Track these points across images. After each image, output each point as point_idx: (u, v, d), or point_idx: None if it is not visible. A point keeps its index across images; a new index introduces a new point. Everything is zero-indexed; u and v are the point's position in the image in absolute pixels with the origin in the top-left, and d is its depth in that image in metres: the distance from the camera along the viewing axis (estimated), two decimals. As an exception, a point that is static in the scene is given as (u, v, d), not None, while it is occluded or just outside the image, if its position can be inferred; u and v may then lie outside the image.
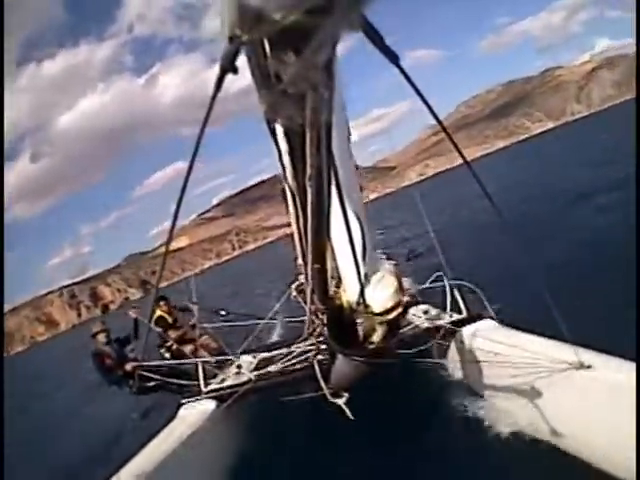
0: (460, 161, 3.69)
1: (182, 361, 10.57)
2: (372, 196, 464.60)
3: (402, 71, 2.45)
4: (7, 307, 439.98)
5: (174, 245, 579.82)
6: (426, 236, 11.42)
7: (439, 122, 2.99)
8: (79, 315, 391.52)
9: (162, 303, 11.80)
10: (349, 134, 6.56)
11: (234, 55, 1.69)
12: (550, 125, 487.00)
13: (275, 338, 13.56)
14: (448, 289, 8.90)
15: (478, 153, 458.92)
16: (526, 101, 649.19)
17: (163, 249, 3.41)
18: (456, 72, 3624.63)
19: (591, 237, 14.01)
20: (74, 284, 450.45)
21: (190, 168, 2.30)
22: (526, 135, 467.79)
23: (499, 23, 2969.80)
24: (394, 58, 2.31)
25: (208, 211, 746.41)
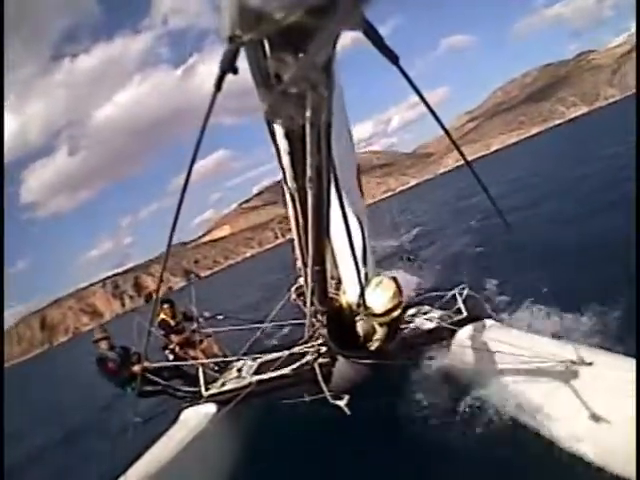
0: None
1: (186, 362, 10.81)
2: (412, 182, 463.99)
3: (402, 72, 2.44)
4: (50, 299, 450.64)
5: (216, 234, 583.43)
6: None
7: (442, 125, 2.94)
8: (123, 305, 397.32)
9: (166, 306, 11.90)
10: (350, 135, 6.51)
11: (234, 55, 1.71)
12: (585, 109, 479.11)
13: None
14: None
15: (513, 139, 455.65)
16: (561, 85, 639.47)
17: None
18: (492, 56, 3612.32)
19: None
20: (117, 275, 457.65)
21: (191, 166, 2.31)
22: (561, 120, 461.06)
23: (532, 6, 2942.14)
24: (394, 58, 2.31)
25: (249, 200, 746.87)
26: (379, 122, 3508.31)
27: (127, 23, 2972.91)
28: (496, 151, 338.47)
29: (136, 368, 9.51)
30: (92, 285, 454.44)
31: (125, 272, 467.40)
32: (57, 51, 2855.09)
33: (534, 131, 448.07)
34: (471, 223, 24.88)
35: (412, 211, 48.16)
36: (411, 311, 9.09)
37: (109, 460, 9.78)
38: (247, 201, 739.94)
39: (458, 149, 3.35)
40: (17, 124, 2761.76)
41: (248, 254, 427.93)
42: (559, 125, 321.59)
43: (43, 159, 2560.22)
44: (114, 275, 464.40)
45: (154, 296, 7.58)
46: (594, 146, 39.61)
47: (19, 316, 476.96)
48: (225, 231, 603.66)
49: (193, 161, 2.32)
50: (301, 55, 1.60)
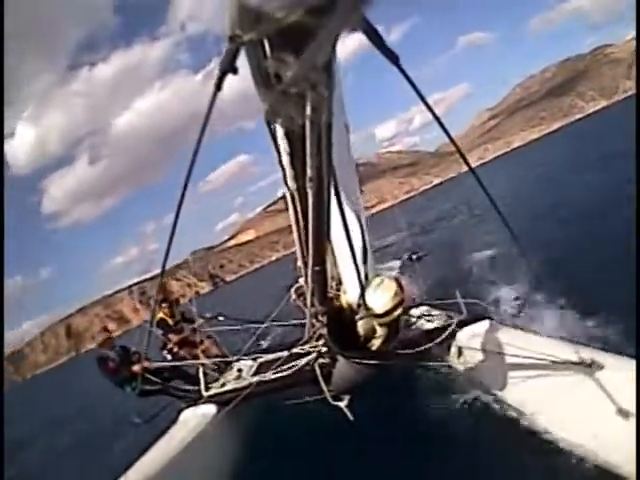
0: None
1: (186, 362, 10.78)
2: (435, 181, 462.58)
3: (402, 72, 2.49)
4: (76, 307, 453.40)
5: (242, 238, 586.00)
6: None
7: (443, 128, 2.96)
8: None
9: (165, 305, 11.80)
10: (348, 134, 6.51)
11: (234, 55, 1.73)
12: (604, 103, 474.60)
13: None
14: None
15: (534, 135, 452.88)
16: (580, 80, 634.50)
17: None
18: (510, 53, 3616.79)
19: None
20: (144, 281, 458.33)
21: (191, 168, 2.34)
22: (581, 115, 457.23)
23: (548, 1, 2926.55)
24: (394, 59, 2.37)
25: (274, 203, 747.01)
26: (402, 122, 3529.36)
27: (144, 31, 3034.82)
28: (518, 148, 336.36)
29: (136, 368, 9.58)
30: (118, 292, 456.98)
31: (152, 278, 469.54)
32: (75, 61, 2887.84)
33: (555, 126, 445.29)
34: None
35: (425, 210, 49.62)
36: (412, 312, 9.16)
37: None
38: (273, 204, 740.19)
39: (461, 153, 3.38)
40: (36, 134, 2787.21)
41: (273, 257, 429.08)
42: (579, 120, 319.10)
43: (64, 169, 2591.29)
44: (141, 281, 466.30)
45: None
46: (609, 141, 39.50)
47: (44, 325, 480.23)
48: (250, 235, 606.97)
49: (193, 161, 2.33)
50: (301, 55, 1.61)
